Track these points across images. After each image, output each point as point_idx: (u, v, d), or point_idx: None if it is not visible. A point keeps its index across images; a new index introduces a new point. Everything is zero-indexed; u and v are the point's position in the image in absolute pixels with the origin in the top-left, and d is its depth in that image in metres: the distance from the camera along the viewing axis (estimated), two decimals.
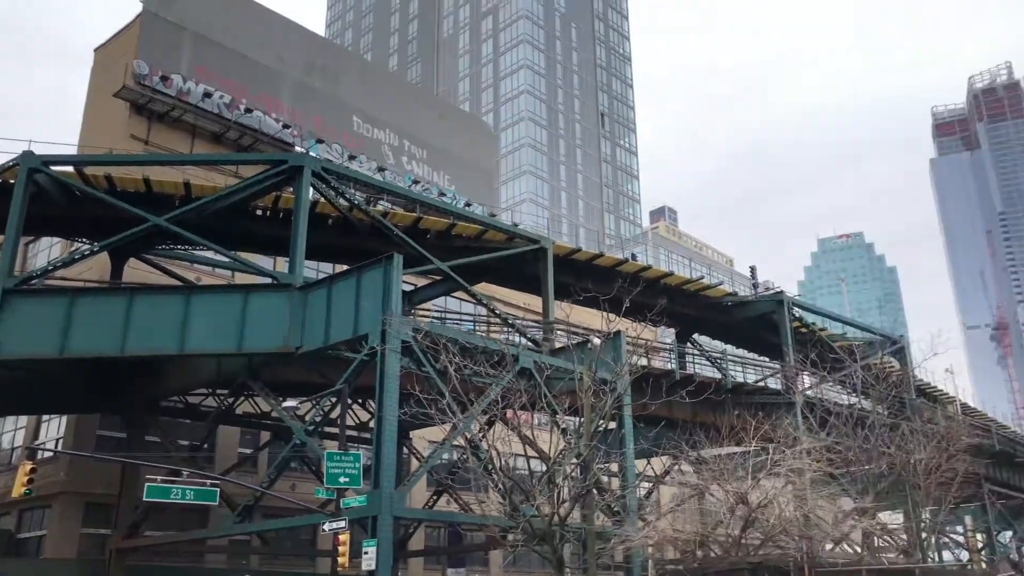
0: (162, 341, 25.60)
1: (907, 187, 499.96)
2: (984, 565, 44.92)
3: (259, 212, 31.04)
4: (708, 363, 42.38)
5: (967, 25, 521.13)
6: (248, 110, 43.18)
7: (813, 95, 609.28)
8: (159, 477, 23.36)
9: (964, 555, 49.73)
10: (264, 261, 34.45)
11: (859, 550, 31.73)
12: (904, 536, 36.08)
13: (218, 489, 24.02)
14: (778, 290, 45.04)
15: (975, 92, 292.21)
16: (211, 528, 32.35)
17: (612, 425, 28.19)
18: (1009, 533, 58.87)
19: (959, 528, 53.26)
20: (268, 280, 27.56)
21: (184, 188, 29.30)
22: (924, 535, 32.71)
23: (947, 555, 49.17)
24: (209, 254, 31.27)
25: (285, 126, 44.49)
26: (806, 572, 21.78)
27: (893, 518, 40.59)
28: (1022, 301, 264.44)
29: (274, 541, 34.97)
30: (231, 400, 32.21)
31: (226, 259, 29.48)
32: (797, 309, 42.11)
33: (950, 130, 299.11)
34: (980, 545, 49.96)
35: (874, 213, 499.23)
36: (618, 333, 27.78)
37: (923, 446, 32.00)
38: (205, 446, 33.21)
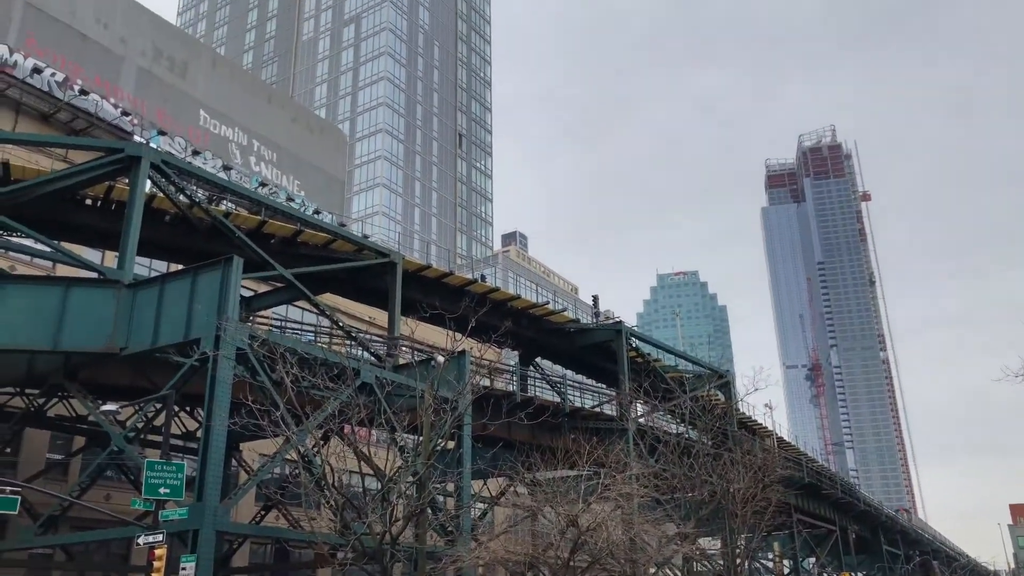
0: None
1: (744, 229, 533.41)
2: None
3: (89, 202, 28.95)
4: (548, 387, 43.14)
5: (812, 77, 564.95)
6: (84, 92, 40.36)
7: (665, 131, 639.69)
8: None
9: None
10: (91, 255, 32.11)
11: (680, 574, 33.06)
12: (720, 561, 37.93)
13: (19, 497, 21.94)
14: (617, 320, 46.59)
15: (803, 150, 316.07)
16: (8, 540, 29.50)
17: (451, 444, 28.07)
18: (812, 559, 63.28)
19: (769, 554, 56.67)
20: (94, 275, 25.66)
21: (2, 168, 26.89)
22: (739, 560, 34.44)
23: None
24: (28, 242, 28.79)
25: (124, 113, 41.90)
26: None
27: (711, 544, 42.66)
28: (834, 345, 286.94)
29: (82, 555, 32.36)
30: (42, 401, 29.68)
31: (47, 248, 27.22)
32: (634, 339, 43.64)
33: (780, 182, 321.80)
34: (786, 570, 53.29)
35: (711, 252, 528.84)
36: (463, 352, 27.78)
37: (742, 476, 33.80)
38: (8, 450, 30.41)
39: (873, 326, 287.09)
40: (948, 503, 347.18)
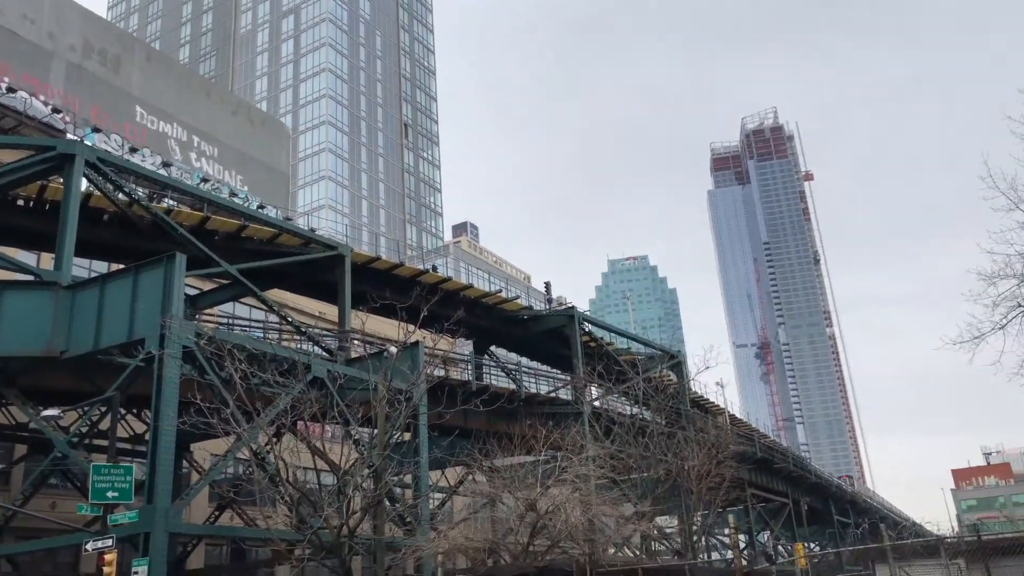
0: None
1: (692, 212, 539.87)
2: (745, 562, 48.84)
3: (21, 202, 28.03)
4: (503, 374, 43.21)
5: (747, 61, 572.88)
6: (11, 90, 39.04)
7: (610, 117, 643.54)
8: None
9: (729, 554, 53.83)
10: (27, 257, 31.12)
11: (638, 553, 33.43)
12: (678, 539, 38.48)
13: None
14: (570, 306, 46.82)
15: (747, 132, 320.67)
16: None
17: (407, 435, 27.93)
18: (767, 532, 64.60)
19: (725, 529, 57.69)
20: (29, 277, 24.88)
21: None
22: (695, 537, 34.99)
23: (715, 555, 52.99)
24: None
25: (55, 111, 40.65)
26: (588, 574, 22.57)
27: (668, 522, 43.22)
28: (782, 323, 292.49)
29: (28, 566, 31.48)
30: None
31: None
32: (587, 324, 43.92)
33: (725, 165, 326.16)
34: (742, 544, 54.27)
35: (661, 235, 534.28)
36: (416, 343, 27.62)
37: (696, 453, 34.29)
38: None
39: (819, 303, 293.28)
40: (895, 472, 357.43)
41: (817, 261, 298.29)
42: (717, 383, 61.36)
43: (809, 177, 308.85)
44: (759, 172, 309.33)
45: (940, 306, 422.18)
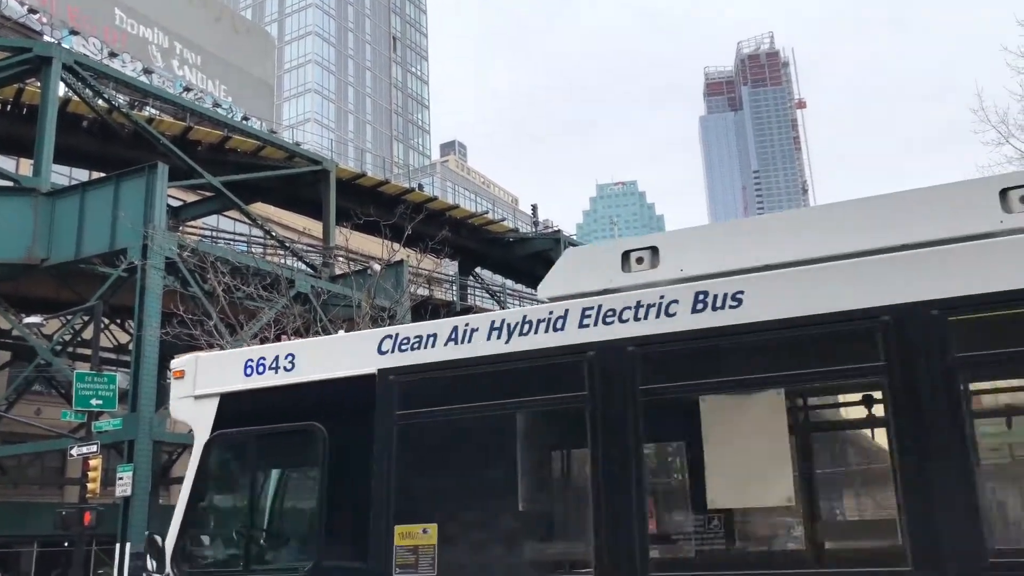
0: None
1: (682, 139, 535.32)
2: None
3: None
4: (488, 296, 43.39)
5: None
6: None
7: (605, 39, 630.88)
8: None
9: None
10: (5, 163, 30.58)
11: None
12: None
13: None
14: (557, 229, 46.74)
15: (742, 57, 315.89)
16: None
17: None
18: None
19: None
20: (7, 183, 24.52)
21: None
22: None
23: None
24: None
25: (32, 11, 39.32)
26: None
27: None
28: None
29: (15, 470, 31.98)
30: None
31: None
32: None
33: (718, 90, 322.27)
34: None
35: (651, 161, 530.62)
36: (400, 262, 27.59)
37: None
38: None
39: None
40: None
41: (805, 191, 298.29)
42: None
43: (802, 105, 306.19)
44: (752, 99, 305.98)
45: None
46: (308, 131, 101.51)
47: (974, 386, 4.42)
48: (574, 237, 52.44)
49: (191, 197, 33.36)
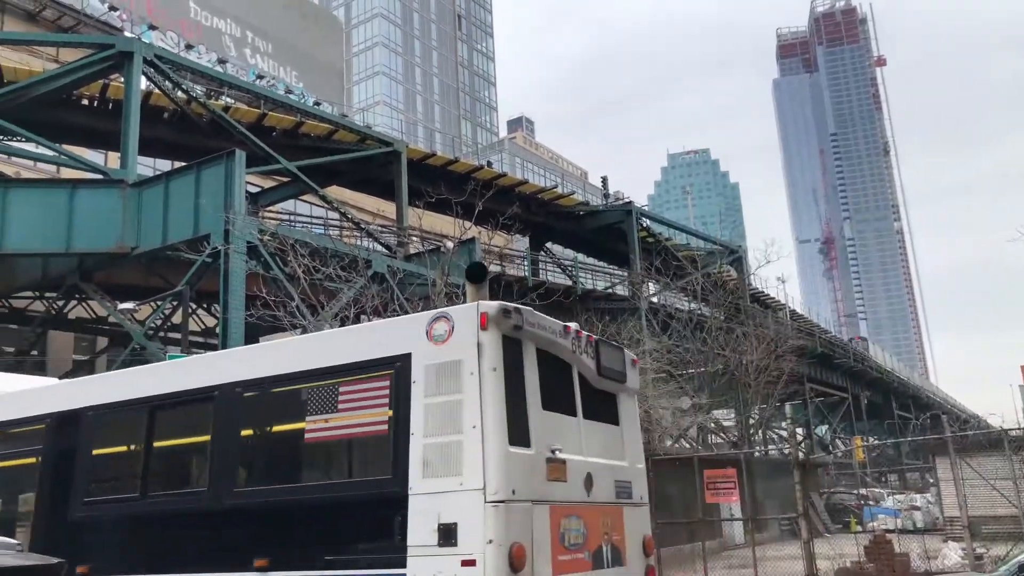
0: None
1: (754, 103, 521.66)
2: (801, 454, 49.29)
3: (85, 102, 28.49)
4: (560, 270, 43.29)
5: None
6: None
7: (666, 2, 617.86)
8: None
9: (786, 447, 54.30)
10: (94, 156, 31.81)
11: (696, 446, 33.93)
12: (735, 432, 38.89)
13: None
14: (627, 201, 46.23)
15: (816, 16, 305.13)
16: None
17: None
18: (825, 426, 64.83)
19: (783, 423, 58.06)
20: (97, 176, 25.49)
21: None
22: (752, 430, 35.30)
23: (772, 448, 53.45)
24: (29, 147, 28.49)
25: (112, 8, 40.71)
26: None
27: (726, 415, 43.64)
28: (847, 218, 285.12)
29: None
30: (61, 303, 30.10)
31: (50, 152, 26.96)
32: (644, 219, 43.42)
33: (792, 51, 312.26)
34: (800, 438, 54.65)
35: (724, 128, 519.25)
36: (472, 239, 27.73)
37: (754, 348, 34.22)
38: (35, 352, 31.03)
39: (887, 196, 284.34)
40: (960, 368, 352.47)
41: (887, 152, 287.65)
42: (778, 278, 60.39)
43: (882, 62, 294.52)
44: (828, 58, 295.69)
45: (1015, 197, 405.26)
46: (378, 113, 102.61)
47: None
48: (646, 208, 51.83)
49: (268, 183, 34.14)
